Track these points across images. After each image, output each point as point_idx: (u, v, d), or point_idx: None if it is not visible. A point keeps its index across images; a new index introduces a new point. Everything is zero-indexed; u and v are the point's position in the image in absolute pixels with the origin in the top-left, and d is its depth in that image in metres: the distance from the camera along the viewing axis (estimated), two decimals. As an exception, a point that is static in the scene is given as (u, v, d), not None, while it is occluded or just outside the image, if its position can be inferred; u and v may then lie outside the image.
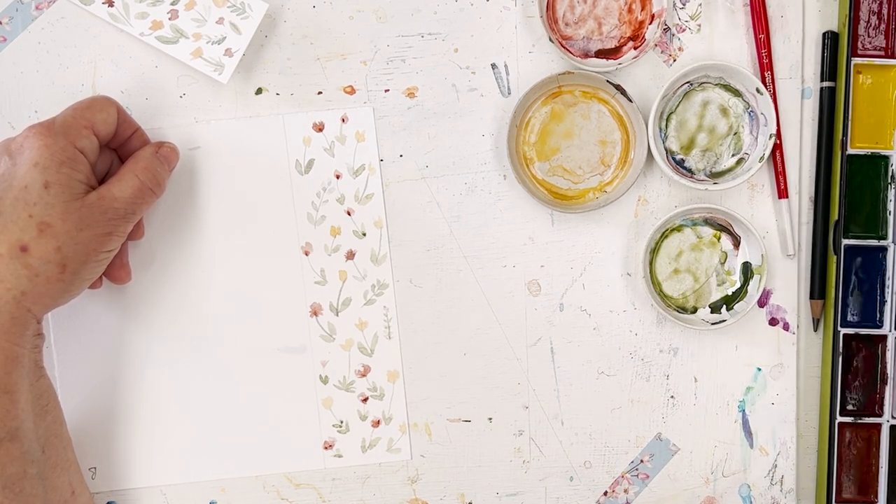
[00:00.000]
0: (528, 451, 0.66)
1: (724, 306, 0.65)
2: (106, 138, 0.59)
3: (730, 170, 0.65)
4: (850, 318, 0.65)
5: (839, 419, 0.64)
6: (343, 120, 0.65)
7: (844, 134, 0.65)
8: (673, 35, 0.66)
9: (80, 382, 0.64)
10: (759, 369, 0.66)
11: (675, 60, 0.66)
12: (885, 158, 0.65)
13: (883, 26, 0.64)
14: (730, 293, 0.66)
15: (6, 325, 0.54)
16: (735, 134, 0.65)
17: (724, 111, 0.65)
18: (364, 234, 0.65)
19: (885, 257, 0.65)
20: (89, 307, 0.64)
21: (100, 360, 0.64)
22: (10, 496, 0.54)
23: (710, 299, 0.66)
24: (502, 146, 0.65)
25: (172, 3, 0.63)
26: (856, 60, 0.64)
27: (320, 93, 0.65)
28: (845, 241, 0.65)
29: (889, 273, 0.65)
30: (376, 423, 0.65)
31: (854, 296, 0.65)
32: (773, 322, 0.66)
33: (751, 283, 0.65)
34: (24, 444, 0.55)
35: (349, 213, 0.65)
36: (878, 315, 0.65)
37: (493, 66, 0.66)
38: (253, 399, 0.65)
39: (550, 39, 0.64)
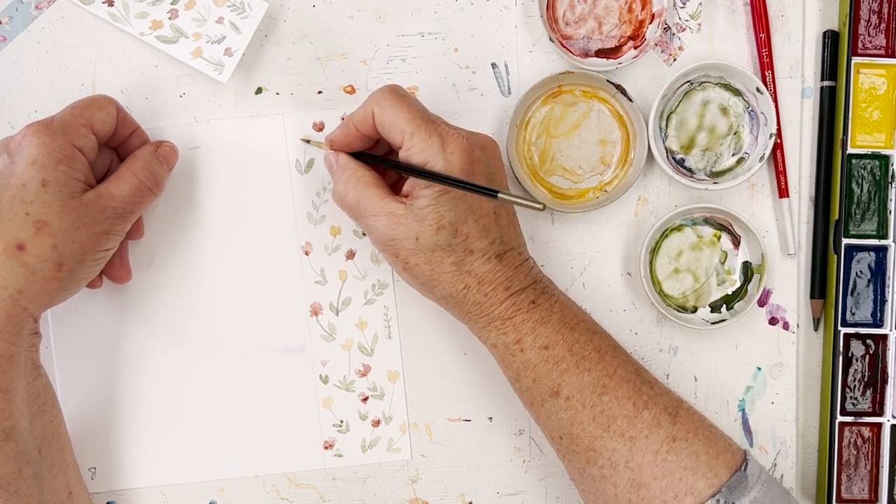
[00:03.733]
0: (528, 451, 0.66)
1: (724, 306, 0.65)
2: (105, 137, 0.59)
3: (730, 169, 0.65)
4: (850, 317, 0.65)
5: (839, 419, 0.64)
6: (343, 119, 0.65)
7: (844, 133, 0.65)
8: (673, 34, 0.66)
9: (79, 382, 0.64)
10: (759, 369, 0.66)
11: (675, 60, 0.66)
12: (885, 158, 0.65)
13: (883, 25, 0.64)
14: (730, 293, 0.66)
15: (2, 324, 0.54)
16: (735, 133, 0.65)
17: (725, 111, 0.65)
18: (364, 234, 0.65)
19: (885, 257, 0.65)
20: (89, 307, 0.64)
21: (100, 360, 0.64)
22: (5, 496, 0.54)
23: (710, 299, 0.66)
24: (502, 146, 0.65)
25: (172, 3, 0.63)
26: (856, 60, 0.64)
27: (320, 92, 0.65)
28: (845, 241, 0.65)
29: (889, 272, 0.65)
30: (376, 423, 0.65)
31: (854, 295, 0.65)
32: (772, 321, 0.66)
33: (751, 282, 0.65)
34: (20, 444, 0.55)
35: (349, 213, 0.65)
36: (879, 314, 0.65)
37: (494, 65, 0.66)
38: (253, 399, 0.65)
39: (550, 39, 0.64)
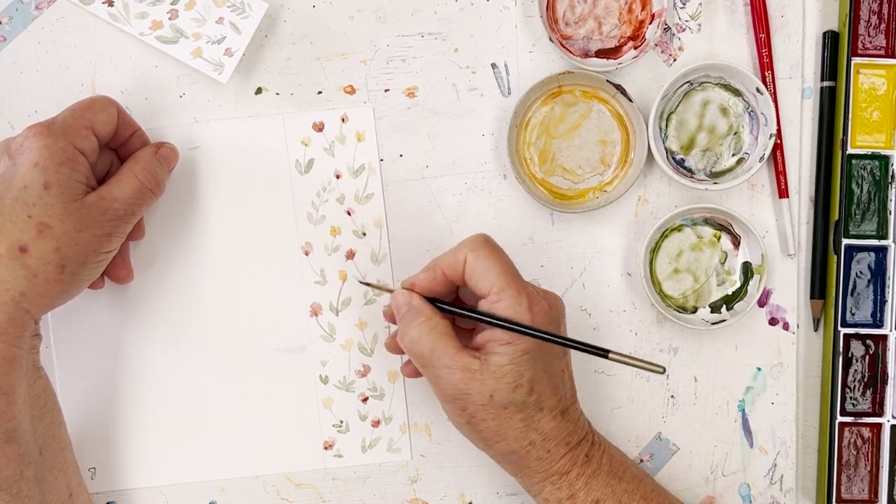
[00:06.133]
0: (528, 451, 0.66)
1: (724, 306, 0.65)
2: (106, 138, 0.59)
3: (730, 169, 0.65)
4: (850, 317, 0.65)
5: (839, 419, 0.64)
6: (343, 120, 0.65)
7: (844, 133, 0.65)
8: (673, 35, 0.66)
9: (79, 383, 0.64)
10: (759, 369, 0.66)
11: (675, 60, 0.66)
12: (885, 158, 0.65)
13: (883, 26, 0.64)
14: (730, 293, 0.66)
15: (4, 326, 0.54)
16: (735, 134, 0.65)
17: (724, 111, 0.65)
18: (364, 234, 0.65)
19: (885, 257, 0.65)
20: (89, 307, 0.64)
21: (100, 361, 0.64)
22: (6, 498, 0.54)
23: (710, 299, 0.66)
24: (502, 146, 0.65)
25: (172, 3, 0.63)
26: (856, 60, 0.64)
27: (320, 92, 0.65)
28: (845, 241, 0.65)
29: (889, 273, 0.65)
30: (376, 423, 0.65)
31: (854, 295, 0.65)
32: (773, 322, 0.66)
33: (751, 282, 0.65)
34: (21, 446, 0.55)
35: (349, 213, 0.65)
36: (879, 315, 0.65)
37: (493, 65, 0.66)
38: (253, 399, 0.65)
39: (550, 39, 0.64)
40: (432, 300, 0.58)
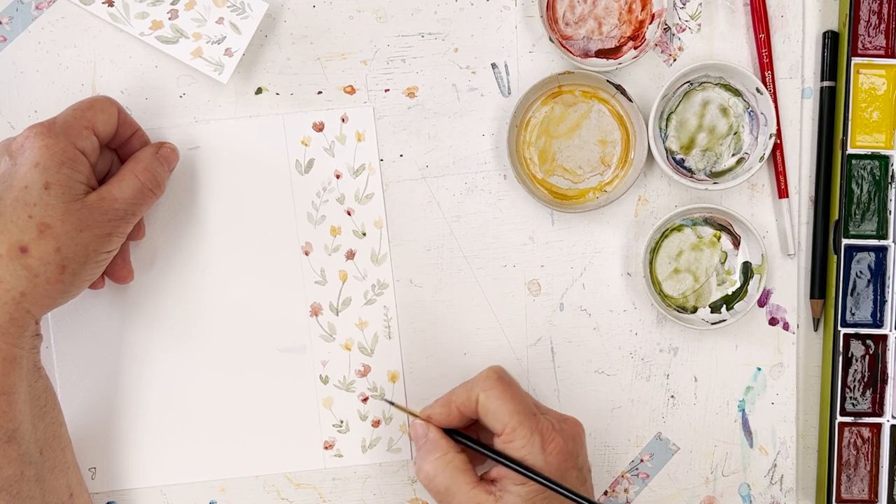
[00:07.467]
0: (528, 451, 0.66)
1: (724, 306, 0.65)
2: (106, 139, 0.59)
3: (730, 169, 0.65)
4: (850, 317, 0.65)
5: (839, 419, 0.64)
6: (343, 120, 0.65)
7: (844, 133, 0.65)
8: (673, 35, 0.66)
9: (80, 382, 0.64)
10: (759, 369, 0.66)
11: (675, 60, 0.66)
12: (885, 158, 0.65)
13: (883, 26, 0.64)
14: (730, 293, 0.66)
15: (5, 326, 0.54)
16: (735, 134, 0.65)
17: (724, 111, 0.65)
18: (364, 234, 0.65)
19: (885, 257, 0.65)
20: (89, 307, 0.64)
21: (100, 361, 0.64)
22: (7, 498, 0.54)
23: (710, 299, 0.66)
24: (502, 146, 0.65)
25: (172, 3, 0.63)
26: (856, 60, 0.64)
27: (320, 92, 0.65)
28: (845, 241, 0.65)
29: (889, 273, 0.65)
30: (376, 423, 0.65)
31: (854, 295, 0.65)
32: (773, 322, 0.66)
33: (751, 282, 0.65)
34: (22, 446, 0.55)
35: (349, 213, 0.65)
36: (879, 315, 0.65)
37: (494, 65, 0.66)
38: (253, 399, 0.65)
39: (550, 39, 0.64)
40: (451, 431, 0.58)
